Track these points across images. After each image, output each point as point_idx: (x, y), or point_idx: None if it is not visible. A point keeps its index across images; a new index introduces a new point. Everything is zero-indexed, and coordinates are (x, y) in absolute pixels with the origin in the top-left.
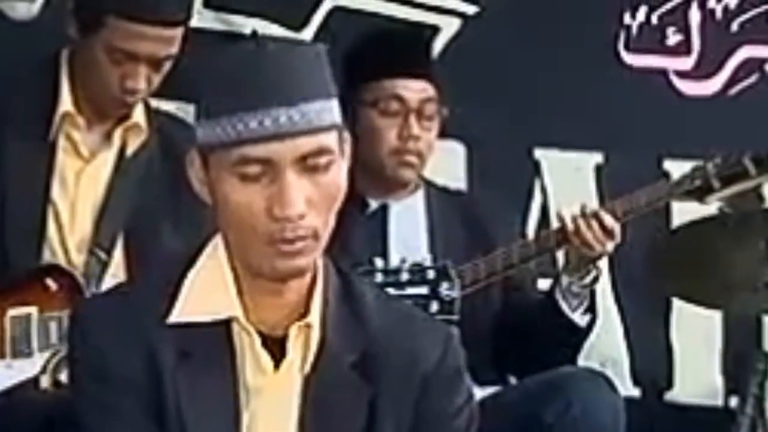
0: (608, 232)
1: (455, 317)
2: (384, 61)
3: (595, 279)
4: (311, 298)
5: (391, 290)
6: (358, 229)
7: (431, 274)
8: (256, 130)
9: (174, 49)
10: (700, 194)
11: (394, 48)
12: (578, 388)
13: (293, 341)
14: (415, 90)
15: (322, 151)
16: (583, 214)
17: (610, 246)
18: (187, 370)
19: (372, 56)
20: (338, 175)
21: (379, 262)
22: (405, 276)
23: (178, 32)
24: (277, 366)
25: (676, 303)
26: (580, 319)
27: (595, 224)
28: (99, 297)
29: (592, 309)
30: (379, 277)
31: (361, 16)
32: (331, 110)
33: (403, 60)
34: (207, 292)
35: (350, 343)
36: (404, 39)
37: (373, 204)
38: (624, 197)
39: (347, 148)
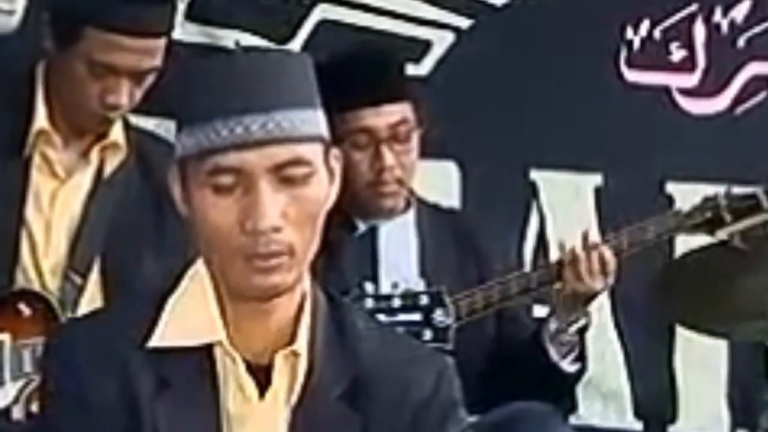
0: (605, 268)
1: (449, 345)
2: (345, 92)
3: (584, 328)
4: (298, 325)
5: (383, 317)
6: (347, 249)
7: (424, 300)
8: (227, 138)
9: (156, 62)
10: (710, 227)
11: (354, 77)
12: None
13: (279, 369)
14: (383, 116)
15: (298, 162)
16: (585, 245)
17: (601, 284)
18: (167, 398)
19: (333, 88)
20: (319, 190)
21: (369, 287)
22: (397, 302)
23: (161, 43)
24: (262, 395)
25: (680, 331)
26: (569, 366)
27: (594, 257)
28: (74, 322)
29: (581, 358)
30: (369, 303)
31: (350, 30)
32: (312, 121)
33: (365, 88)
34: (189, 317)
35: (339, 372)
36: (363, 63)
37: (362, 225)
38: (630, 229)
39: (337, 165)
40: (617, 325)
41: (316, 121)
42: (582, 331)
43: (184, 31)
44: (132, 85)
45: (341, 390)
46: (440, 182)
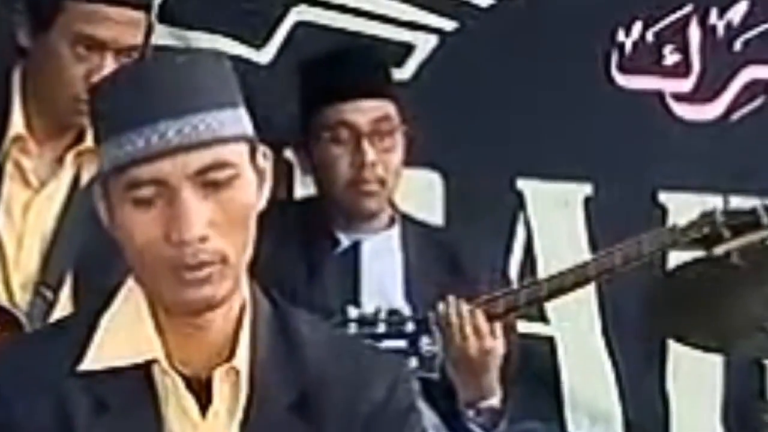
0: (480, 333)
1: (435, 375)
2: (325, 85)
3: (498, 415)
4: (238, 337)
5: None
6: (329, 267)
7: (410, 327)
8: (143, 149)
9: (138, 39)
10: (707, 243)
11: (334, 70)
12: None
13: (219, 385)
14: (365, 111)
15: (220, 165)
16: (457, 311)
17: (475, 350)
18: (106, 422)
19: (313, 81)
20: (246, 192)
21: (353, 312)
22: (382, 328)
23: (143, 17)
24: (205, 413)
25: (673, 347)
26: None
27: (467, 324)
28: (8, 343)
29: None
30: (352, 328)
31: (328, 32)
32: (233, 121)
33: (346, 80)
34: (124, 335)
35: (286, 383)
36: (347, 57)
37: (345, 241)
38: (623, 245)
39: (266, 163)
40: (607, 341)
41: (238, 120)
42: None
43: (156, 34)
44: (116, 64)
45: (289, 401)
46: (423, 193)
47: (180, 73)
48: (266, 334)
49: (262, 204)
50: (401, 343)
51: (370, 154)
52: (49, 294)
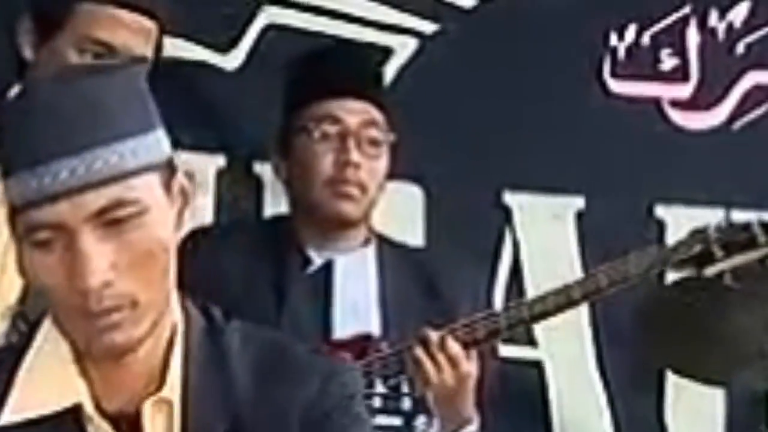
0: (455, 363)
1: None
2: (315, 79)
3: None
4: (168, 366)
5: None
6: (300, 288)
7: (407, 405)
8: (36, 190)
9: (149, 51)
10: (698, 263)
11: (326, 65)
12: None
13: (150, 420)
14: (353, 111)
15: (121, 204)
16: (426, 347)
17: (452, 379)
18: None
19: (302, 76)
20: (155, 227)
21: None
22: (377, 402)
23: (154, 29)
24: None
25: (671, 376)
26: None
27: (440, 357)
28: None
29: None
30: None
31: (301, 35)
32: (141, 149)
33: (337, 77)
34: (45, 380)
35: (219, 410)
36: (339, 55)
37: (317, 259)
38: (608, 267)
39: (187, 182)
40: (601, 366)
41: (148, 146)
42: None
43: None
44: None
45: (224, 429)
46: (402, 207)
47: (80, 100)
48: (199, 357)
49: (181, 232)
50: (396, 421)
51: (355, 153)
52: (24, 327)
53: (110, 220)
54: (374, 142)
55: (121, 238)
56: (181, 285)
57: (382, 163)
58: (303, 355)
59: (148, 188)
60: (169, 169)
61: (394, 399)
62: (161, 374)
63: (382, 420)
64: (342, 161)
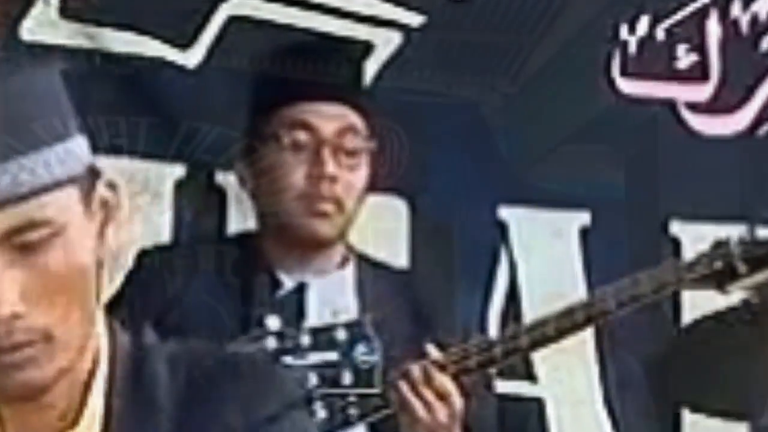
0: (446, 398)
1: (377, 389)
2: (285, 80)
3: None
4: (86, 398)
5: (289, 359)
6: (267, 314)
7: (342, 335)
8: None
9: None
10: (720, 281)
11: (297, 63)
12: None
13: None
14: (329, 116)
15: (31, 225)
16: (412, 385)
17: (444, 415)
18: None
19: (269, 75)
20: (72, 249)
21: (272, 323)
22: (306, 339)
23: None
24: None
25: (688, 416)
26: None
27: (428, 394)
28: None
29: None
30: (271, 343)
31: (269, 29)
32: (55, 161)
33: (310, 78)
34: None
35: None
36: (312, 51)
37: (287, 282)
38: (617, 286)
39: (111, 194)
40: (608, 403)
41: (64, 157)
42: None
43: (59, 33)
44: None
45: None
46: (384, 222)
47: None
48: (124, 388)
49: (104, 250)
50: (332, 355)
51: (331, 165)
52: None
53: (19, 244)
54: (352, 152)
55: (31, 263)
56: (133, 310)
57: (361, 175)
58: (247, 373)
59: (63, 205)
60: (89, 180)
61: (325, 331)
62: (80, 408)
63: (315, 357)
64: (316, 174)
